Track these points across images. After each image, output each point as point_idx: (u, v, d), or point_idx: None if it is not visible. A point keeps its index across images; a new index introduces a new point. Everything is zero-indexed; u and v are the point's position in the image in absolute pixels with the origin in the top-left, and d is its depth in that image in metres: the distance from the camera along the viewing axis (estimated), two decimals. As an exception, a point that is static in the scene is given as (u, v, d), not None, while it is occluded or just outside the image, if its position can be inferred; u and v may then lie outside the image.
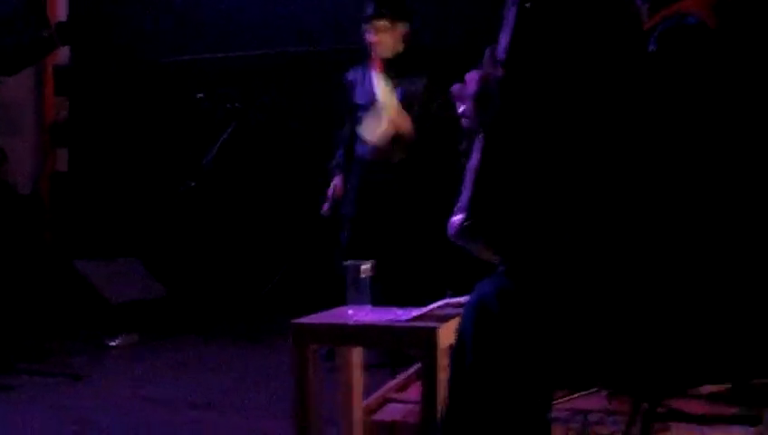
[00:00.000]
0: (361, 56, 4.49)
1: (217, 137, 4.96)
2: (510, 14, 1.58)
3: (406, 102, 4.40)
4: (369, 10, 4.42)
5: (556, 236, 1.57)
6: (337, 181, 4.58)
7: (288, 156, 5.29)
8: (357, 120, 4.48)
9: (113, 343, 4.83)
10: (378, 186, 4.45)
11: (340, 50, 5.11)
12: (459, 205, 1.61)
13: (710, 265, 1.54)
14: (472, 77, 1.61)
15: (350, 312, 2.67)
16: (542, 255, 1.59)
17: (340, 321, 2.59)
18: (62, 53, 6.19)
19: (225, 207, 5.64)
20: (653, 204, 1.52)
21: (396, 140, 4.38)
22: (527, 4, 1.56)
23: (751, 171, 1.54)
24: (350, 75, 4.57)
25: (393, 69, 4.43)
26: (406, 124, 4.36)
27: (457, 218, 1.59)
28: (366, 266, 2.71)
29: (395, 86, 4.43)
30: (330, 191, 4.57)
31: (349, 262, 2.74)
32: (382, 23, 4.39)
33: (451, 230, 1.61)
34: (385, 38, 4.40)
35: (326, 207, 4.56)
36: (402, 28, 4.44)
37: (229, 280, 5.61)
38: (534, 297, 1.59)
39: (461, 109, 1.63)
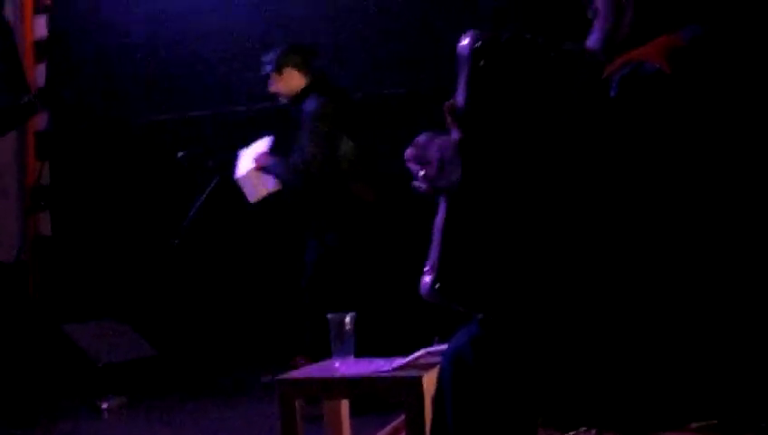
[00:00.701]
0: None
1: (199, 195, 4.99)
2: (464, 73, 1.60)
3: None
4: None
5: (526, 284, 1.59)
6: None
7: (269, 212, 5.31)
8: None
9: (103, 406, 4.80)
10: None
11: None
12: (429, 263, 1.63)
13: (691, 303, 1.56)
14: (426, 140, 1.63)
15: (336, 364, 2.70)
16: (514, 303, 1.61)
17: (325, 375, 2.62)
18: (41, 118, 6.25)
19: (209, 264, 5.66)
20: (623, 245, 1.55)
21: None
22: (481, 63, 1.57)
23: (713, 213, 1.57)
24: None
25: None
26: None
27: (428, 280, 1.61)
28: (349, 318, 2.74)
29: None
30: None
31: (332, 314, 2.77)
32: (271, 75, 4.71)
33: (423, 291, 1.64)
34: (277, 87, 4.74)
35: None
36: (288, 74, 4.70)
37: (217, 338, 5.61)
38: (509, 344, 1.62)
39: (421, 172, 1.64)
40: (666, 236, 1.54)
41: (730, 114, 1.58)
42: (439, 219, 1.61)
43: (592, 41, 1.83)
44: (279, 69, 4.67)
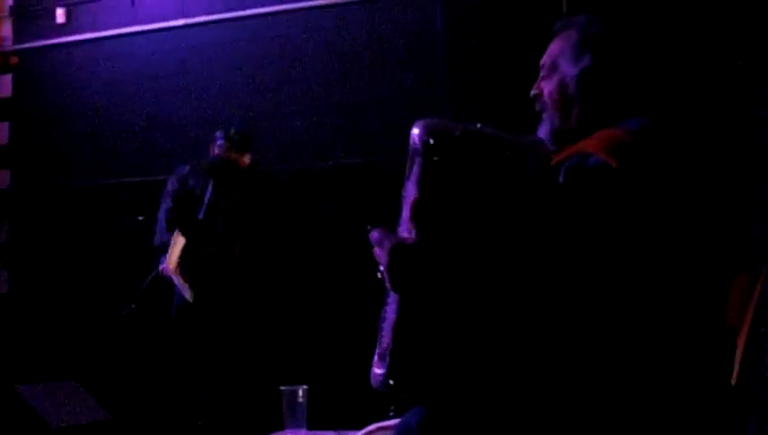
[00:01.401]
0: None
1: (157, 259, 5.00)
2: (416, 165, 1.58)
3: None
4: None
5: (474, 376, 1.60)
6: None
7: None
8: None
9: (54, 471, 4.74)
10: None
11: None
12: (378, 353, 1.64)
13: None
14: (378, 239, 1.61)
15: (288, 437, 2.71)
16: (462, 394, 1.63)
17: (277, 448, 2.63)
18: (2, 178, 6.25)
19: (165, 329, 5.64)
20: (573, 337, 1.58)
21: None
22: (435, 158, 1.55)
23: (653, 310, 1.60)
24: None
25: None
26: None
27: (380, 373, 1.60)
28: (302, 391, 2.77)
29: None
30: None
31: (284, 387, 2.80)
32: None
33: (374, 383, 1.64)
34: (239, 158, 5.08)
35: None
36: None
37: (171, 404, 5.57)
38: (457, 427, 1.65)
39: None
40: (608, 325, 1.57)
41: (671, 204, 1.64)
42: (390, 312, 1.60)
43: (542, 132, 1.89)
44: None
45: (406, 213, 1.59)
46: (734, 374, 1.90)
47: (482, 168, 1.56)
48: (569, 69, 1.85)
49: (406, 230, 1.58)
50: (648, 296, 1.57)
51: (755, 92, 4.26)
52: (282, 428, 2.79)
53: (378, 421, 2.73)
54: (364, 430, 2.65)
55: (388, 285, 1.58)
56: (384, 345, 1.60)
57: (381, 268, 1.59)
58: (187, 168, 4.97)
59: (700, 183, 1.69)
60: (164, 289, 5.06)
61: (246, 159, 5.04)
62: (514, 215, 1.56)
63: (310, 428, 2.79)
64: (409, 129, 1.60)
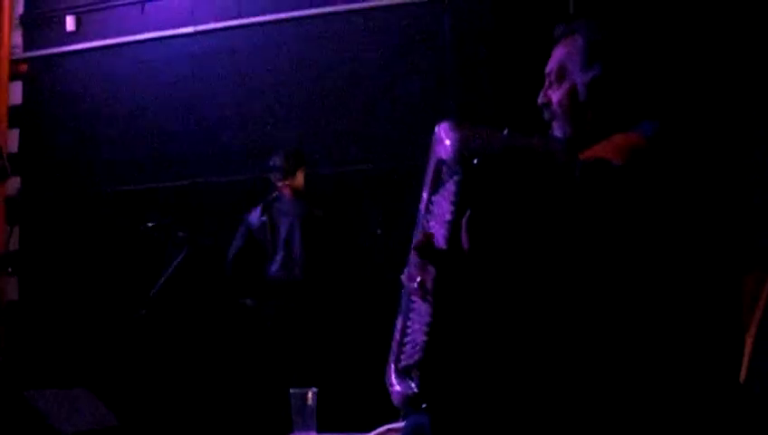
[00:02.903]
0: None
1: (167, 265, 5.01)
2: (451, 184, 1.48)
3: (309, 230, 4.92)
4: (278, 163, 5.07)
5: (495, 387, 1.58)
6: None
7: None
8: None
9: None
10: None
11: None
12: (401, 367, 1.61)
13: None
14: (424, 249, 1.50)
15: (297, 440, 2.72)
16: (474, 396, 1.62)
17: (286, 450, 2.63)
18: (12, 185, 6.27)
19: (175, 334, 5.66)
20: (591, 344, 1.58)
21: None
22: (476, 178, 1.43)
23: (668, 310, 1.60)
24: (252, 217, 5.13)
25: (298, 205, 5.02)
26: None
27: (404, 389, 1.56)
28: (311, 394, 2.77)
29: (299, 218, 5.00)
30: None
31: (294, 389, 2.80)
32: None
33: (396, 400, 1.60)
34: (292, 183, 5.07)
35: None
36: (303, 172, 5.10)
37: (181, 410, 5.58)
38: (467, 427, 1.65)
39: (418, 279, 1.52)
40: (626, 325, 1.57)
41: (687, 207, 1.64)
42: (416, 325, 1.55)
43: None
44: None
45: (439, 231, 1.51)
46: (743, 373, 1.90)
47: (527, 184, 1.45)
48: (578, 76, 1.84)
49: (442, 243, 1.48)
50: (662, 298, 1.57)
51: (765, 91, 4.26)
52: (291, 430, 2.79)
53: (387, 423, 2.73)
54: (375, 432, 2.65)
55: (429, 297, 1.51)
56: (412, 361, 1.54)
57: (422, 280, 1.51)
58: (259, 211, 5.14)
59: (713, 184, 1.70)
60: (174, 295, 5.08)
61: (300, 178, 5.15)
62: (560, 226, 1.49)
63: (319, 431, 2.79)
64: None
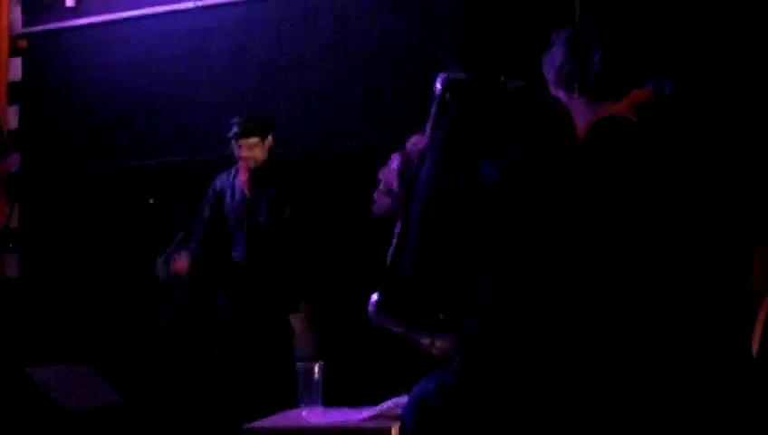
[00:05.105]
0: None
1: (168, 241, 5.00)
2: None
3: (274, 208, 4.66)
4: (236, 128, 4.74)
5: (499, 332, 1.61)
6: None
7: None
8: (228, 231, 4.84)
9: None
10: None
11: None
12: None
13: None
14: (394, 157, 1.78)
15: (304, 413, 2.71)
16: (450, 320, 1.66)
17: (293, 423, 2.63)
18: (13, 161, 6.25)
19: (176, 311, 5.64)
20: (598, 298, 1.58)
21: None
22: (447, 96, 1.72)
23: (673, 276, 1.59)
24: (219, 184, 4.91)
25: (260, 178, 4.75)
26: None
27: (374, 297, 1.67)
28: (317, 367, 2.76)
29: (261, 193, 4.73)
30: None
31: (300, 363, 2.79)
32: (252, 140, 4.72)
33: (370, 310, 1.70)
34: (255, 153, 4.75)
35: None
36: (269, 140, 4.79)
37: (184, 387, 5.58)
38: (476, 393, 1.64)
39: (386, 186, 1.75)
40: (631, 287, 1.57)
41: (694, 166, 1.64)
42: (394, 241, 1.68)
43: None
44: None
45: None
46: (756, 345, 1.89)
47: (485, 103, 1.73)
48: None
49: None
50: (669, 260, 1.57)
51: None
52: (297, 404, 2.78)
53: (393, 397, 2.73)
54: (381, 406, 2.65)
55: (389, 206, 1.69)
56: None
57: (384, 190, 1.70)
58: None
59: (724, 148, 1.69)
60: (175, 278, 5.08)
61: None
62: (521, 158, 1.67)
63: (325, 404, 2.79)
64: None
